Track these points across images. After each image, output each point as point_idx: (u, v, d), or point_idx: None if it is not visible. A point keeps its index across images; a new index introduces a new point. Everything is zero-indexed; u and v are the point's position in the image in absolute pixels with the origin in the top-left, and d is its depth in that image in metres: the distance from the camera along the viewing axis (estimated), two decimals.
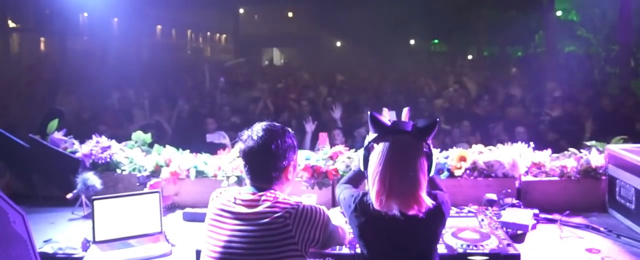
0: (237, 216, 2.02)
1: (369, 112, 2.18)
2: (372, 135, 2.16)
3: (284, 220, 1.97)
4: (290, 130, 2.13)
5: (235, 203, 2.04)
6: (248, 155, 2.06)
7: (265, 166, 2.05)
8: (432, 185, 2.30)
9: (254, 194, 2.04)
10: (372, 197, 2.05)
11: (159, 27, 26.77)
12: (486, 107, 8.18)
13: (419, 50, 28.79)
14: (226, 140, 5.74)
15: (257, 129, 2.07)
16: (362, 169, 2.20)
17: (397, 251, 2.06)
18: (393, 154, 2.03)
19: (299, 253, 1.99)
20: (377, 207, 2.02)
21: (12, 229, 2.16)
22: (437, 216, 2.06)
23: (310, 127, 6.32)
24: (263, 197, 2.02)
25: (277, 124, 2.12)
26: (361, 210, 2.08)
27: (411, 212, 1.99)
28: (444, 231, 2.39)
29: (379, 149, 2.07)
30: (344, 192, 2.25)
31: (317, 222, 2.02)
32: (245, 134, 2.08)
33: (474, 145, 3.48)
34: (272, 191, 2.05)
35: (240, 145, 2.09)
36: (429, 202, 2.02)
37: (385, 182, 2.00)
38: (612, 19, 17.56)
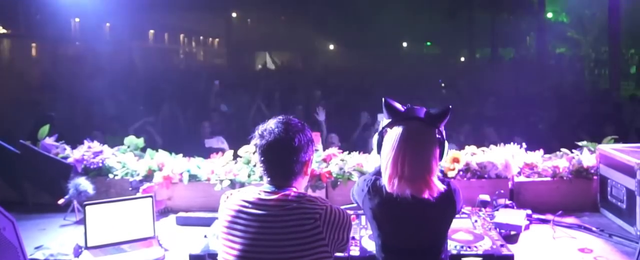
0: (259, 217, 1.94)
1: (383, 98, 2.20)
2: (386, 121, 2.20)
3: (314, 222, 1.92)
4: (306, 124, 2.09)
5: (256, 204, 1.97)
6: (268, 151, 1.98)
7: (287, 161, 1.99)
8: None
9: (275, 192, 1.98)
10: (385, 181, 2.09)
11: (151, 31, 26.70)
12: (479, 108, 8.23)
13: (412, 53, 28.91)
14: (225, 145, 5.69)
15: (276, 123, 2.00)
16: (376, 153, 2.24)
17: (408, 234, 2.10)
18: (405, 139, 2.06)
19: (328, 255, 1.95)
20: (389, 190, 2.06)
21: (2, 236, 2.15)
22: (448, 201, 2.09)
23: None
24: (288, 197, 1.96)
25: (293, 118, 2.06)
26: (374, 193, 2.12)
27: (423, 196, 2.03)
28: None
29: (392, 134, 2.11)
30: (358, 180, 2.29)
31: (345, 224, 1.98)
32: (262, 128, 2.01)
33: (466, 147, 3.49)
34: (294, 190, 1.99)
35: (256, 141, 2.01)
36: (440, 186, 2.06)
37: (397, 166, 2.05)
38: (601, 20, 17.72)
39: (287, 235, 1.91)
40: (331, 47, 30.62)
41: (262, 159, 2.01)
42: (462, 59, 25.40)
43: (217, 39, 33.27)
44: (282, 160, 1.99)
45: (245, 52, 25.70)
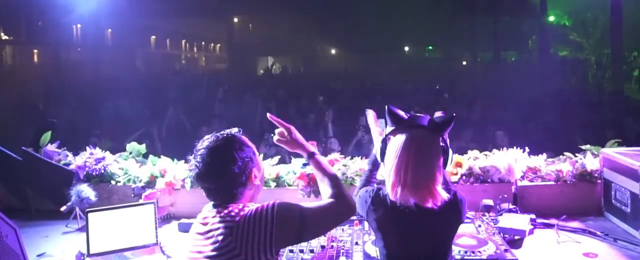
0: (198, 236, 1.88)
1: (386, 106, 2.17)
2: (389, 129, 2.17)
3: (224, 237, 1.79)
4: (236, 133, 1.94)
5: (200, 224, 1.91)
6: (201, 183, 1.88)
7: (222, 188, 1.87)
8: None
9: (211, 211, 1.89)
10: (388, 189, 2.06)
11: (153, 37, 26.80)
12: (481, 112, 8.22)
13: (413, 57, 28.94)
14: None
15: (201, 152, 1.85)
16: (379, 160, 2.22)
17: (413, 243, 2.07)
18: (409, 148, 2.03)
19: None
20: (393, 199, 2.04)
21: (4, 244, 2.14)
22: (453, 210, 2.06)
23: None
24: (213, 214, 1.86)
25: (221, 136, 1.90)
26: (377, 203, 2.09)
27: (426, 205, 2.00)
28: None
29: (395, 142, 2.08)
30: (359, 192, 2.25)
31: (264, 224, 1.79)
32: (192, 159, 1.89)
33: (469, 151, 3.48)
34: (228, 206, 1.87)
35: (190, 171, 1.92)
36: (444, 195, 2.03)
37: (400, 174, 2.01)
38: (603, 23, 17.72)
39: (213, 254, 1.81)
40: (333, 51, 30.71)
41: (199, 187, 1.91)
42: (464, 62, 25.40)
43: (219, 44, 33.36)
44: (216, 189, 1.88)
45: (247, 57, 25.75)
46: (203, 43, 33.35)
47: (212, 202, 1.93)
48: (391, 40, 24.60)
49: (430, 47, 30.20)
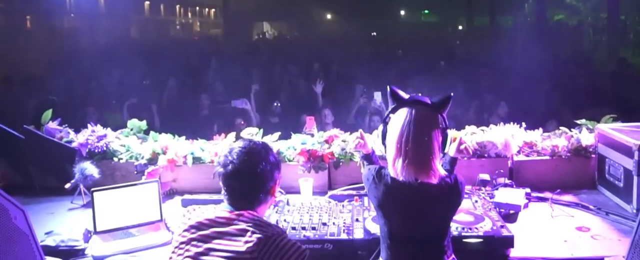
0: (206, 237, 1.84)
1: (388, 87, 2.23)
2: (391, 107, 2.21)
3: (251, 253, 1.77)
4: (269, 145, 2.02)
5: (207, 224, 1.87)
6: (230, 181, 1.89)
7: (250, 191, 1.91)
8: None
9: (231, 212, 1.87)
10: (390, 165, 2.13)
11: (147, 3, 26.38)
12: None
13: (410, 21, 28.67)
14: (248, 107, 6.37)
15: (236, 152, 1.91)
16: (380, 142, 2.26)
17: (413, 220, 2.14)
18: (411, 122, 2.09)
19: None
20: (394, 174, 2.10)
21: (13, 225, 2.19)
22: (452, 191, 2.12)
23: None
24: (241, 217, 1.84)
25: (257, 142, 1.98)
26: (379, 180, 2.16)
27: (426, 180, 2.07)
28: None
29: (397, 118, 2.14)
30: (364, 169, 2.34)
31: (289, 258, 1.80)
32: (223, 158, 1.92)
33: (466, 127, 3.52)
34: (251, 213, 1.87)
35: (218, 169, 1.92)
36: (442, 171, 2.11)
37: (401, 148, 2.08)
38: None
39: (228, 254, 1.79)
40: (329, 16, 30.37)
41: (224, 187, 1.92)
42: (460, 27, 25.19)
43: (213, 10, 32.91)
44: (244, 191, 1.91)
45: (242, 23, 25.43)
46: (197, 8, 32.88)
47: (225, 204, 1.92)
48: (387, 5, 24.31)
49: (426, 12, 29.87)
